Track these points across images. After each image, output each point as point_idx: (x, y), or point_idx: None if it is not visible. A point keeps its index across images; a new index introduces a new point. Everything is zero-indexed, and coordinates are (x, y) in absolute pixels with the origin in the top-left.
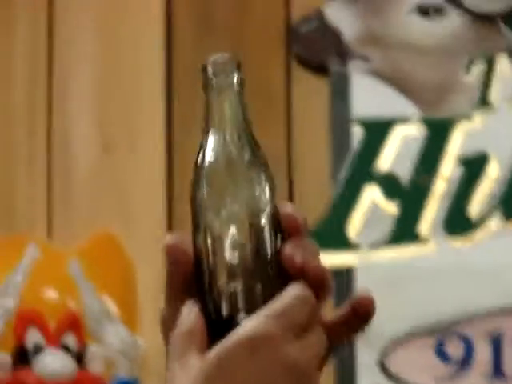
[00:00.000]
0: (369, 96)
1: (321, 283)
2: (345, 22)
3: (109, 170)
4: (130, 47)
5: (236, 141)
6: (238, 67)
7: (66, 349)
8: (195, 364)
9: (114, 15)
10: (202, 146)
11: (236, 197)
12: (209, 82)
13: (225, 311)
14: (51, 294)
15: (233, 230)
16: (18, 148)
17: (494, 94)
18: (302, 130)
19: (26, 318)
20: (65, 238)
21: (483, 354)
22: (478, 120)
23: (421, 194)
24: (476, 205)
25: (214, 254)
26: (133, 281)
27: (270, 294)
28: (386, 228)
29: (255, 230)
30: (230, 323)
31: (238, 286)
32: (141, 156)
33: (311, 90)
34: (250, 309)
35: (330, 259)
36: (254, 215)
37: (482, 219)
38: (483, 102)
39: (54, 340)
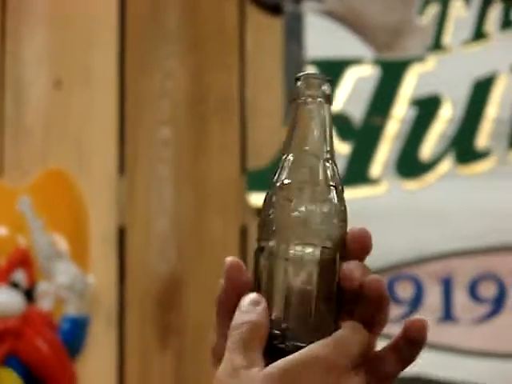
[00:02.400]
0: (322, 36)
1: (379, 304)
2: None
3: (60, 108)
4: None
5: (316, 158)
6: (329, 83)
7: (16, 286)
8: (256, 377)
9: None
10: (281, 161)
11: (308, 219)
12: (299, 94)
13: (281, 332)
14: (1, 230)
15: (300, 251)
16: None
17: (448, 36)
18: (256, 70)
19: None
20: (16, 175)
21: (433, 296)
22: (431, 62)
23: (373, 135)
24: (428, 147)
25: (277, 273)
26: (84, 219)
27: (327, 319)
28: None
29: (322, 253)
30: (286, 344)
31: (298, 307)
32: (93, 93)
33: (265, 30)
34: (308, 332)
35: None
36: (323, 238)
37: (434, 161)
38: (437, 43)
39: (4, 277)
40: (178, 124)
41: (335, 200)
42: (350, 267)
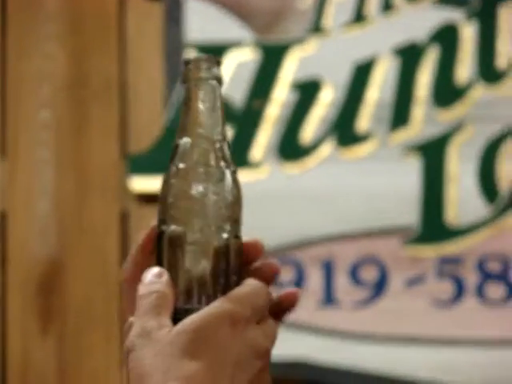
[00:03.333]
0: (203, 20)
1: (272, 277)
2: None
3: None
4: None
5: (208, 140)
6: (218, 64)
7: None
8: (167, 336)
9: None
10: (176, 145)
11: (204, 201)
12: (189, 77)
13: (185, 297)
14: None
15: (199, 233)
16: None
17: (329, 18)
18: (136, 54)
19: None
20: None
21: (315, 279)
22: (311, 45)
23: (254, 119)
24: (309, 130)
25: (178, 256)
26: None
27: (229, 285)
28: None
29: (220, 233)
30: (188, 309)
31: (201, 287)
32: None
33: (145, 14)
34: (210, 296)
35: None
36: (220, 218)
37: (315, 145)
38: (317, 26)
39: None
40: (58, 107)
41: (230, 181)
42: (255, 248)
